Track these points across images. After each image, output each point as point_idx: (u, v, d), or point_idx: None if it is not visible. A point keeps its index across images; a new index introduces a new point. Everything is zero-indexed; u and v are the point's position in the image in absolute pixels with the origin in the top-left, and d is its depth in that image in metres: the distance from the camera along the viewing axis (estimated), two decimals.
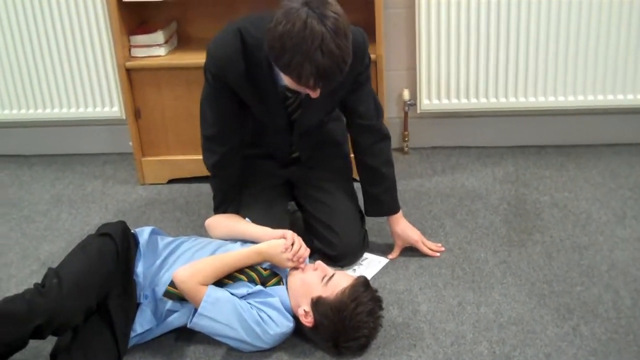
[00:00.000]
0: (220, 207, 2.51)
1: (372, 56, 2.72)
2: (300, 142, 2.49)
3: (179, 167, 3.13)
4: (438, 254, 2.51)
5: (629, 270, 2.37)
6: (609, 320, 2.15)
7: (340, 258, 2.47)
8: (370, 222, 2.60)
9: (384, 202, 2.50)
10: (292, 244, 2.18)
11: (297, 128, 2.42)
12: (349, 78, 2.26)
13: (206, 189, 2.88)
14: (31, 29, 3.18)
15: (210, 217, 2.45)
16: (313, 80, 1.97)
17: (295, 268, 2.18)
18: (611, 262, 2.41)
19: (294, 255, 2.16)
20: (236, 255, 2.16)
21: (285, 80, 2.09)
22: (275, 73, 2.16)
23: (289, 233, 2.22)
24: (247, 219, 2.41)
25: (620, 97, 3.03)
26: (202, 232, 2.47)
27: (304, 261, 2.19)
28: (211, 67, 2.27)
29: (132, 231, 2.24)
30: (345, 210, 2.52)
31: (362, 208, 2.57)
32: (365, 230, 2.57)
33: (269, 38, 1.99)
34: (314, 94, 2.08)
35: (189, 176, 3.12)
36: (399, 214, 2.51)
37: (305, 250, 2.20)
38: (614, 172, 2.98)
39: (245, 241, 2.29)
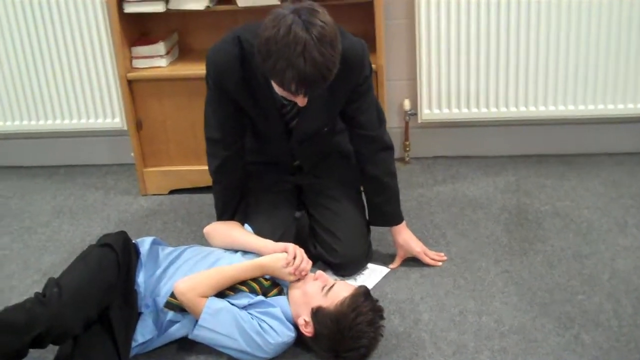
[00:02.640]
0: (223, 216, 2.51)
1: (373, 66, 2.73)
2: (300, 150, 2.49)
3: (180, 178, 3.13)
4: (440, 263, 2.51)
5: (630, 278, 2.36)
6: (611, 329, 2.14)
7: (342, 267, 2.46)
8: (372, 230, 2.59)
9: (387, 213, 2.50)
10: (294, 258, 2.18)
11: (294, 136, 2.42)
12: (346, 88, 2.26)
13: (208, 199, 2.89)
14: (33, 41, 3.19)
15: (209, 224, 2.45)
16: (295, 86, 1.97)
17: (297, 280, 2.18)
18: (612, 271, 2.41)
19: (295, 269, 2.16)
20: (237, 268, 2.16)
21: (274, 85, 2.10)
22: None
23: (290, 247, 2.21)
24: (246, 226, 2.41)
25: (621, 106, 3.03)
26: (204, 243, 2.46)
27: (306, 274, 2.18)
28: (211, 74, 2.28)
29: (133, 241, 2.24)
30: (350, 219, 2.51)
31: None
32: (370, 242, 2.56)
33: (257, 43, 2.00)
34: (300, 101, 2.08)
35: (190, 187, 3.13)
36: (402, 225, 2.51)
37: (307, 264, 2.19)
38: (615, 182, 2.98)
39: (246, 251, 2.29)
